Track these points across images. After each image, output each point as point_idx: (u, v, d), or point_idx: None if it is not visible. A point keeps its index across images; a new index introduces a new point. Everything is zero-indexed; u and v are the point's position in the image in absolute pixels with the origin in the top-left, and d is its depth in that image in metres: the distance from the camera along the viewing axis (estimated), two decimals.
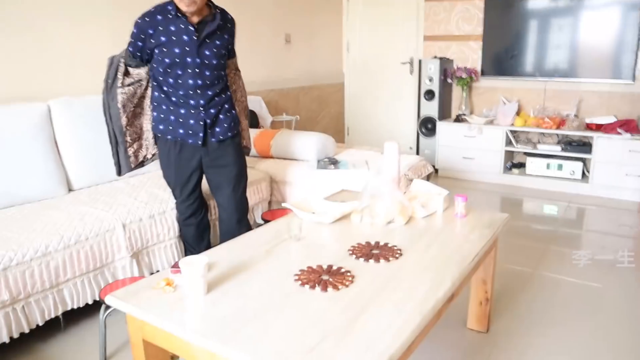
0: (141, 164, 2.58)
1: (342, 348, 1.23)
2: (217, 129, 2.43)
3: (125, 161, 2.52)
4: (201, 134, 2.38)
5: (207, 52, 2.31)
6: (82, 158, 2.86)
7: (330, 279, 1.58)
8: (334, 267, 1.67)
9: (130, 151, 2.52)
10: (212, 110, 2.40)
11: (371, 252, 1.80)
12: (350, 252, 1.81)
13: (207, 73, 2.34)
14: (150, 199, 2.66)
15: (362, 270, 1.66)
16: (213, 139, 2.42)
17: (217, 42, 2.35)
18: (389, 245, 1.87)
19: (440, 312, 1.56)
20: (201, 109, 2.36)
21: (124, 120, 2.44)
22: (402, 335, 1.28)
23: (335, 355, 1.20)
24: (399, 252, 1.80)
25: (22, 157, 2.59)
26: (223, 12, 2.39)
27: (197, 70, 2.31)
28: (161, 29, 2.26)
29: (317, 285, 1.55)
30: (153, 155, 2.59)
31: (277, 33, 4.87)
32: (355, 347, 1.23)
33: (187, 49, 2.27)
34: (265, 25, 4.69)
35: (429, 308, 1.42)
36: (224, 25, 2.38)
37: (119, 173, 2.55)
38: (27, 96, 2.88)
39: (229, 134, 2.47)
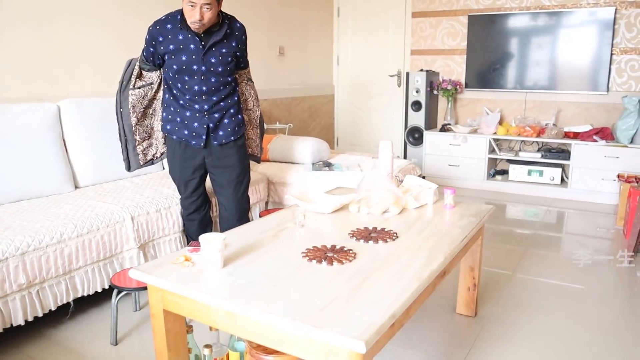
0: (150, 162, 2.72)
1: (349, 308, 1.38)
2: (220, 133, 2.56)
3: (134, 158, 2.66)
4: (203, 137, 2.52)
5: (212, 60, 2.44)
6: (88, 157, 2.98)
7: (335, 255, 1.73)
8: (337, 247, 1.83)
9: (139, 149, 2.66)
10: (215, 115, 2.53)
11: (370, 235, 1.96)
12: (351, 235, 1.97)
13: (213, 80, 2.47)
14: (156, 195, 2.78)
15: (363, 249, 1.82)
16: (215, 142, 2.55)
17: (223, 50, 2.46)
18: (386, 229, 2.03)
19: (434, 284, 1.72)
20: (205, 113, 2.50)
21: (133, 120, 2.59)
22: (403, 296, 1.44)
23: (344, 312, 1.35)
24: (395, 235, 1.97)
25: (32, 154, 2.71)
26: (231, 21, 2.50)
27: (203, 77, 2.44)
28: (170, 37, 2.39)
29: (323, 260, 1.70)
30: (162, 153, 2.73)
31: (271, 45, 5.07)
32: (362, 307, 1.38)
33: (194, 57, 2.40)
34: (260, 37, 4.88)
35: (425, 276, 1.58)
36: (231, 33, 2.49)
37: (129, 169, 2.68)
38: (38, 97, 3.01)
39: (232, 137, 2.59)
